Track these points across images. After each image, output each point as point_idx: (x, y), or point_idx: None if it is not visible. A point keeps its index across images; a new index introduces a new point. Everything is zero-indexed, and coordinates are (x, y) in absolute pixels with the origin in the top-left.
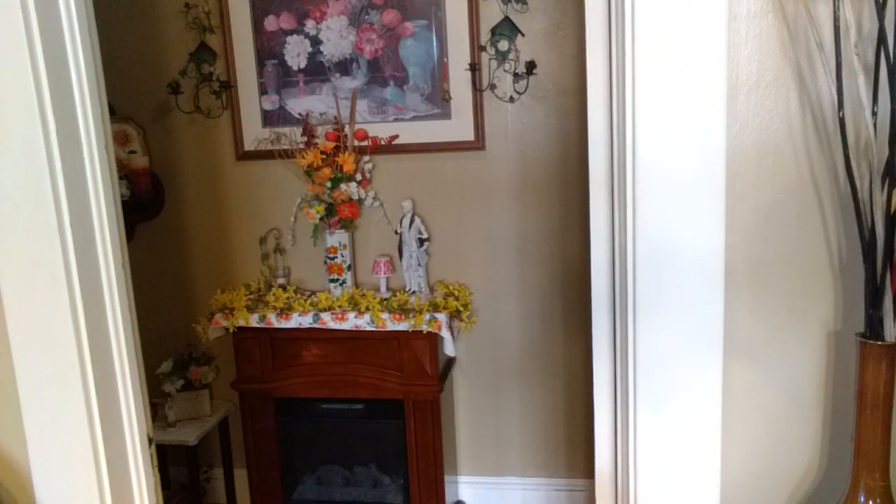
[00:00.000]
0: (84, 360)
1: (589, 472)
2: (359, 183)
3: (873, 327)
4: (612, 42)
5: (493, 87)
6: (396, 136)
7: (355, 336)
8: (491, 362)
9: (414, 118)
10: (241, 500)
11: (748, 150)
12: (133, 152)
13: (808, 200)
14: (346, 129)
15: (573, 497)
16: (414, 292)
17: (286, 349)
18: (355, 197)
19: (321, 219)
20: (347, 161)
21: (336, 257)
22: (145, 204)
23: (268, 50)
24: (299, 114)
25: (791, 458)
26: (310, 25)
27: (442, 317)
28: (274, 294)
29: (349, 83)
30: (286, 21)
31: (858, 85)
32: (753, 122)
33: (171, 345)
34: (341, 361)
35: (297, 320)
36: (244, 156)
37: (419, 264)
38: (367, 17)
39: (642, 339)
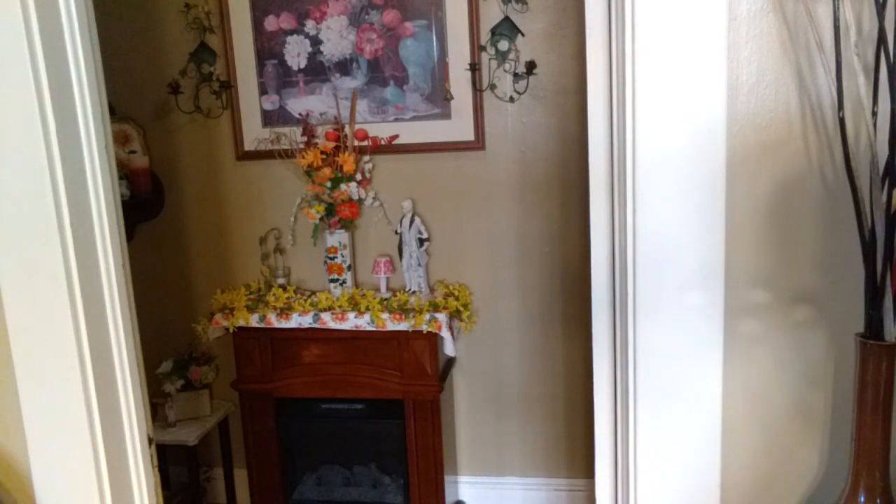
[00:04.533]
0: (84, 360)
1: (589, 472)
2: (359, 183)
3: (873, 327)
4: (612, 42)
5: (493, 87)
6: (396, 136)
7: (355, 336)
8: (491, 362)
9: (414, 118)
10: (241, 500)
11: (748, 150)
12: (133, 152)
13: (808, 200)
14: (346, 129)
15: (573, 497)
16: (414, 292)
17: (286, 349)
18: (355, 197)
19: (321, 219)
20: (347, 161)
21: (336, 257)
22: (145, 204)
23: (268, 50)
24: (299, 114)
25: (791, 457)
26: (310, 25)
27: (442, 317)
28: (274, 294)
29: (349, 83)
30: (286, 21)
31: (858, 85)
32: (753, 122)
33: (171, 345)
34: (341, 361)
35: (297, 320)
36: (244, 156)
37: (419, 264)
38: (367, 17)
39: (642, 339)
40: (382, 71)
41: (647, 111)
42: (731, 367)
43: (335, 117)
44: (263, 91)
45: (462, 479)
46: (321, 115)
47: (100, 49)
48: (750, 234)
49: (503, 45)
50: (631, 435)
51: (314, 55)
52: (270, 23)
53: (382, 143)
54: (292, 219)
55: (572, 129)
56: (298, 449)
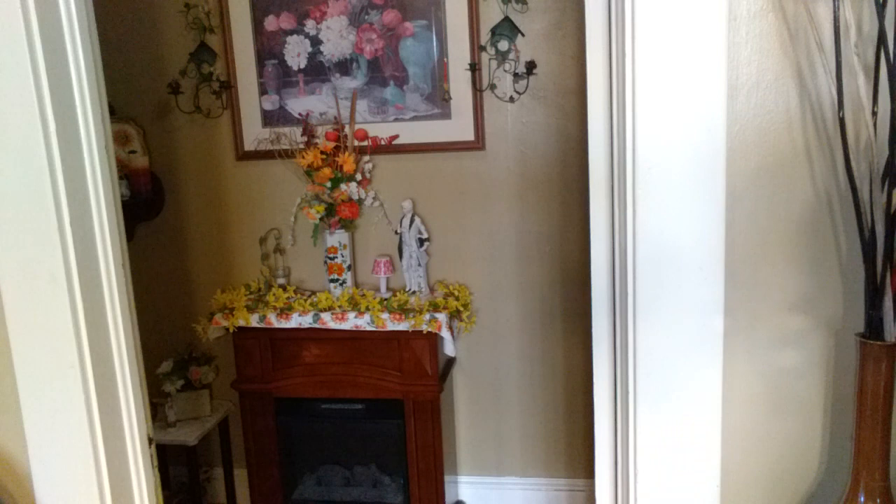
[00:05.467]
0: (84, 360)
1: (589, 472)
2: (359, 183)
3: (873, 327)
4: (612, 42)
5: (493, 87)
6: (396, 136)
7: (355, 336)
8: (491, 362)
9: (414, 118)
10: (241, 500)
11: (748, 150)
12: (133, 152)
13: (808, 200)
14: (346, 129)
15: (573, 497)
16: (414, 292)
17: (286, 349)
18: (355, 197)
19: (321, 219)
20: (347, 161)
21: (336, 257)
22: (145, 204)
23: (268, 50)
24: (299, 114)
25: (791, 458)
26: (310, 25)
27: (442, 317)
28: (274, 294)
29: (349, 83)
30: (286, 21)
31: (858, 85)
32: (753, 122)
33: (171, 345)
34: (341, 361)
35: (297, 320)
36: (244, 156)
37: (419, 264)
38: (367, 17)
39: (642, 339)
40: (382, 71)
41: (647, 111)
42: (730, 367)
43: (335, 117)
44: (263, 91)
45: (462, 479)
46: (321, 115)
47: (100, 49)
48: (749, 234)
49: (503, 45)
50: (631, 435)
51: (314, 55)
52: (270, 23)
53: (382, 143)
54: (292, 219)
55: (572, 129)
56: (298, 449)
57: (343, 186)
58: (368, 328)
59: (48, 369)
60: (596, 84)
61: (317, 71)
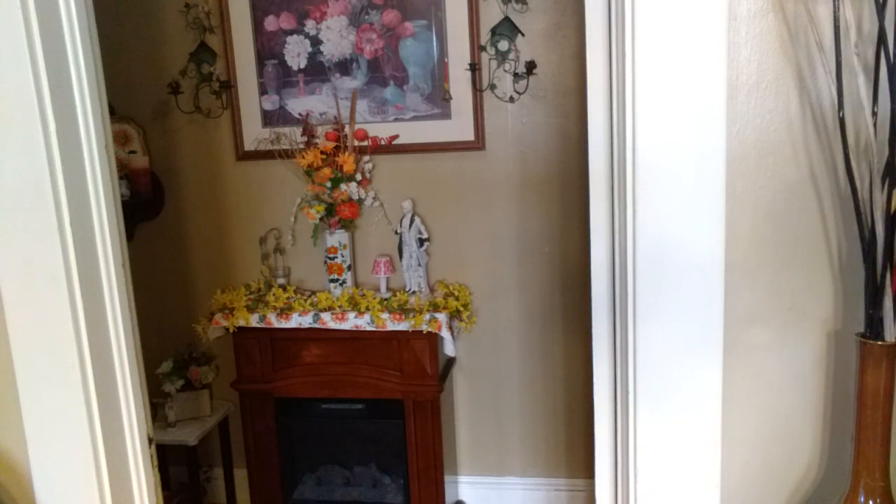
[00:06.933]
0: (84, 360)
1: (589, 472)
2: (359, 183)
3: (873, 327)
4: (612, 42)
5: (493, 87)
6: (396, 136)
7: (355, 336)
8: (491, 362)
9: (414, 118)
10: (241, 500)
11: (748, 150)
12: (133, 152)
13: (809, 200)
14: (346, 129)
15: (573, 497)
16: (414, 292)
17: (286, 349)
18: (355, 197)
19: (321, 219)
20: (347, 161)
21: (336, 257)
22: (145, 204)
23: (268, 50)
24: (299, 114)
25: (791, 458)
26: (310, 25)
27: (442, 317)
28: (274, 294)
29: (349, 83)
30: (286, 21)
31: (858, 85)
32: (753, 122)
33: (171, 345)
34: (341, 361)
35: (297, 320)
36: (244, 156)
37: (419, 264)
38: (367, 17)
39: (642, 339)
40: (382, 71)
41: (647, 111)
42: (730, 367)
43: (335, 117)
44: (263, 91)
45: (462, 479)
46: (321, 115)
47: (100, 49)
48: (749, 234)
49: (503, 45)
50: (631, 435)
51: (314, 55)
52: (270, 23)
53: (382, 143)
54: (292, 219)
55: (572, 129)
56: (298, 449)
57: (343, 186)
58: (368, 328)
59: (48, 369)
60: (596, 84)
61: (317, 71)
